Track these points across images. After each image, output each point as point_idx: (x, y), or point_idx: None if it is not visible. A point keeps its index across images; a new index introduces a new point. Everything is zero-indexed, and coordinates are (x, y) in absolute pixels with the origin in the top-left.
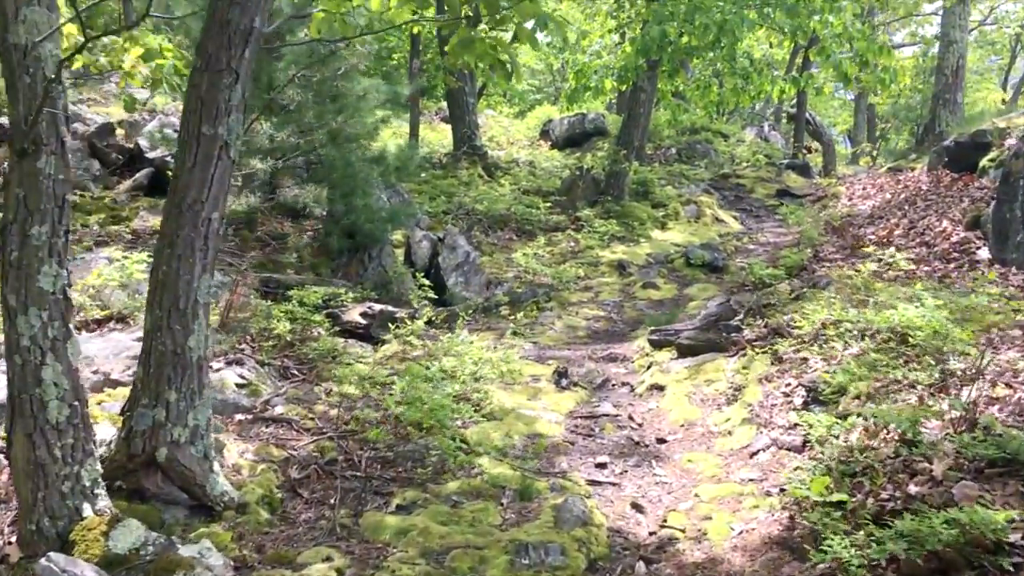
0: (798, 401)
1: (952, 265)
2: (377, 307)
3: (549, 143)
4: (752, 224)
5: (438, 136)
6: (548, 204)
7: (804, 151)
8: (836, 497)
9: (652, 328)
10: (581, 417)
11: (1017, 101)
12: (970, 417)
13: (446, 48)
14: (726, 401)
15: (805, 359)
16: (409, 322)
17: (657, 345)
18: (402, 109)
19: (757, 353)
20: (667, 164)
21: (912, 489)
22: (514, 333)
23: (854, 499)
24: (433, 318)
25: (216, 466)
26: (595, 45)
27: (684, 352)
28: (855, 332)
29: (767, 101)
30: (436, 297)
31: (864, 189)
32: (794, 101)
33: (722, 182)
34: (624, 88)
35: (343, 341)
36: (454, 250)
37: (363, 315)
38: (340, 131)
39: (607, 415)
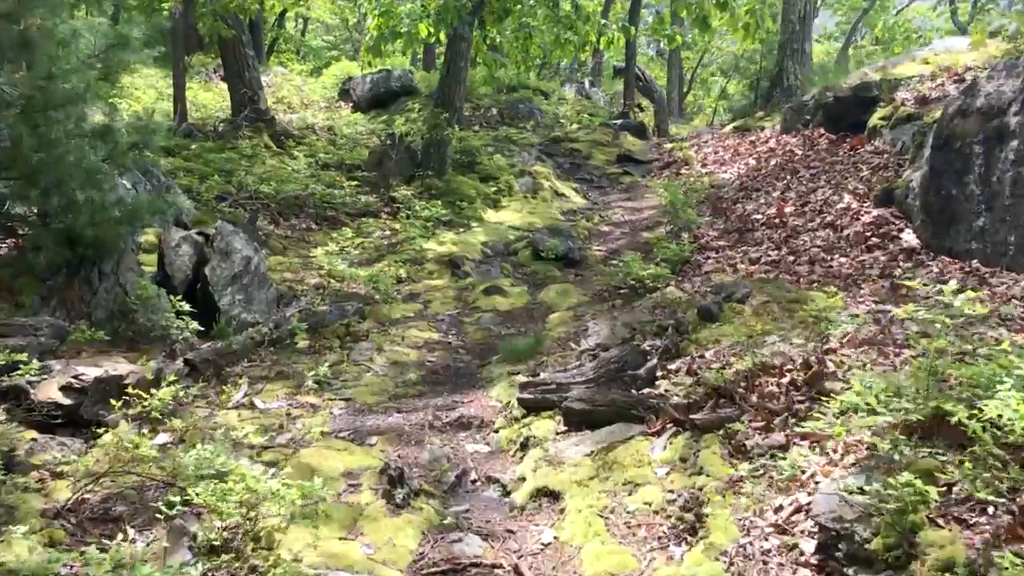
0: (808, 547)
1: (882, 256)
2: (92, 373)
3: (351, 104)
4: (596, 197)
5: (216, 98)
6: (354, 182)
7: (636, 109)
8: None
9: (524, 381)
10: (435, 574)
11: (848, 52)
12: None
13: None
14: (674, 533)
15: (783, 451)
16: (145, 395)
17: (532, 408)
18: (152, 63)
19: (697, 432)
20: (490, 128)
21: None
22: (317, 384)
23: None
24: (187, 375)
25: None
26: None
27: (576, 421)
28: (888, 411)
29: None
30: (203, 328)
31: (717, 153)
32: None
33: (554, 147)
34: (433, 40)
35: (32, 439)
36: (228, 255)
37: (67, 389)
38: (31, 96)
39: (477, 565)
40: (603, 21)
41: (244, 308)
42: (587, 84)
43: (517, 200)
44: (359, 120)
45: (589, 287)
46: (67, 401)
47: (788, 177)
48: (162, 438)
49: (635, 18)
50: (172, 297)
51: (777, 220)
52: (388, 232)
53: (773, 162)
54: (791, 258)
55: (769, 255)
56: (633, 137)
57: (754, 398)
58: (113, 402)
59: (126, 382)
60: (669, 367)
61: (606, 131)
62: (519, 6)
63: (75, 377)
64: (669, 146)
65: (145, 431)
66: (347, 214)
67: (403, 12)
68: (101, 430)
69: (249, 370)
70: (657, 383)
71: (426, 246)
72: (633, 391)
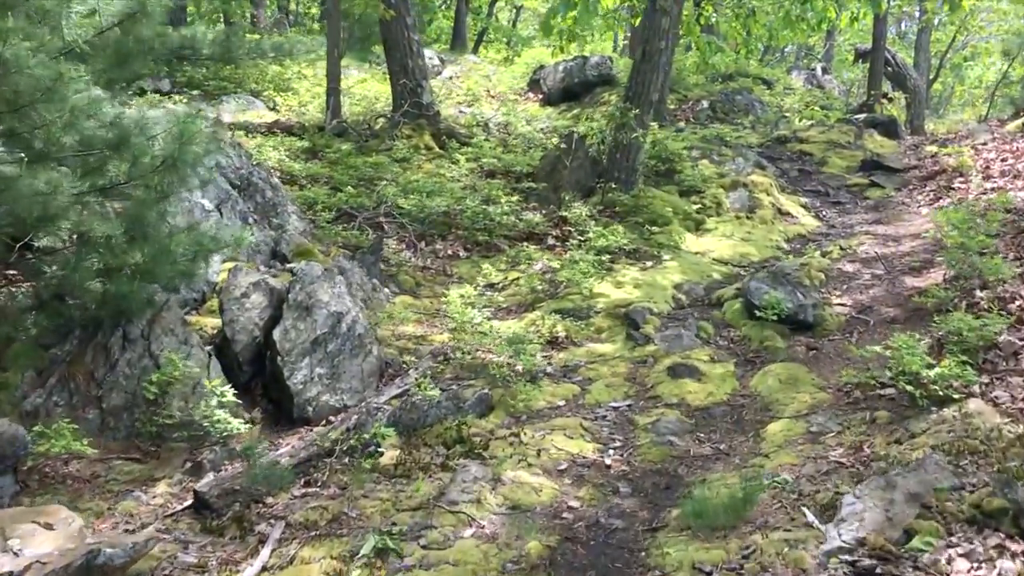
0: None
1: None
2: None
3: (540, 96)
4: (834, 218)
5: (387, 91)
6: (518, 196)
7: (883, 101)
8: None
9: None
10: None
11: None
12: None
13: None
14: None
15: None
16: None
17: None
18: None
19: None
20: (699, 125)
21: None
22: (378, 553)
23: None
24: (196, 512)
25: None
26: None
27: None
28: None
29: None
30: (262, 416)
31: (1005, 161)
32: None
33: (778, 149)
34: (635, 22)
35: None
36: (308, 312)
37: None
38: None
39: None
40: None
41: (327, 387)
42: (819, 71)
43: (727, 221)
44: (544, 115)
45: (829, 373)
46: None
47: None
48: None
49: None
50: (233, 371)
51: None
52: (551, 267)
53: None
54: None
55: None
56: (881, 136)
57: None
58: None
59: None
60: None
61: (845, 129)
62: None
63: None
64: (931, 149)
65: None
66: (505, 237)
67: None
68: None
69: (297, 504)
70: None
71: (597, 289)
72: None
